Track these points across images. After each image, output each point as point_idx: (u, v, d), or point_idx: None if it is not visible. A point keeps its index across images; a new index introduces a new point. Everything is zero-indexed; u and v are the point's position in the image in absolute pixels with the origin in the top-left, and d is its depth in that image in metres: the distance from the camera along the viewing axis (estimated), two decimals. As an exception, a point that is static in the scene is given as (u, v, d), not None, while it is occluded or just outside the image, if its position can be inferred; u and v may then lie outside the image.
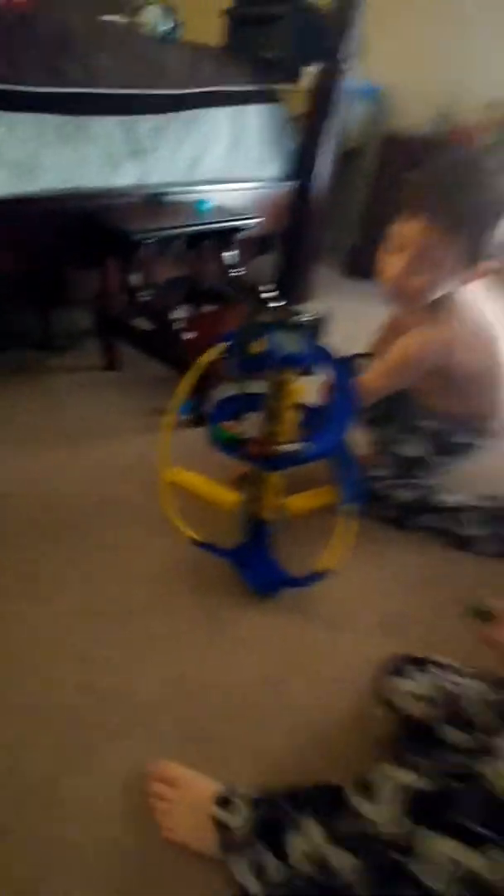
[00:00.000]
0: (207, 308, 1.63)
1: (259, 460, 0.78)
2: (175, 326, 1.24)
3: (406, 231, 0.83)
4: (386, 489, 1.01)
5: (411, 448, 1.01)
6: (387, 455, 1.02)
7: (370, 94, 2.47)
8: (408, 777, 0.46)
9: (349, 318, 1.18)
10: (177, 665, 0.75)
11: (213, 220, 1.40)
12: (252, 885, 0.52)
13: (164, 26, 2.39)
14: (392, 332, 1.03)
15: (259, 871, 0.52)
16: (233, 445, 0.79)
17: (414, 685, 0.62)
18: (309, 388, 0.83)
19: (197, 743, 0.66)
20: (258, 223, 1.52)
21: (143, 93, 1.47)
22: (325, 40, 1.70)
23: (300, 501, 1.01)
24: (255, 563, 0.85)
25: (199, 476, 1.05)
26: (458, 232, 0.78)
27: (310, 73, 2.13)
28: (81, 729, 0.66)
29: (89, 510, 0.99)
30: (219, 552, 0.86)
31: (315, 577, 0.83)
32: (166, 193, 1.47)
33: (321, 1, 1.92)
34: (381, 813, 0.45)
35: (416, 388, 1.00)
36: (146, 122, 1.46)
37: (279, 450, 0.77)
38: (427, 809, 0.44)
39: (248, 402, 0.84)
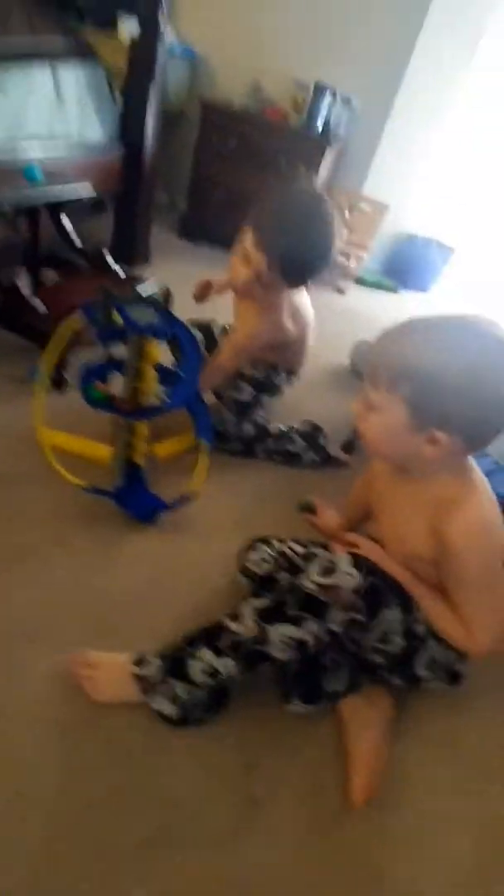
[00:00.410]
0: (49, 273, 1.63)
1: (129, 413, 0.94)
2: (26, 298, 1.26)
3: (251, 253, 1.04)
4: (231, 428, 1.28)
5: (244, 394, 1.28)
6: (226, 402, 1.28)
7: (186, 55, 2.53)
8: (257, 601, 0.72)
9: (186, 280, 1.35)
10: (79, 580, 0.91)
11: (45, 189, 1.40)
12: (168, 708, 0.74)
13: None
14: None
15: (172, 698, 0.74)
16: (105, 402, 0.93)
17: (258, 554, 0.88)
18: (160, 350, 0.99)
19: (104, 636, 0.84)
20: (90, 192, 1.55)
21: None
22: None
23: (166, 447, 1.20)
24: (134, 498, 1.02)
25: (72, 436, 1.17)
26: (290, 277, 1.05)
27: (127, 28, 2.11)
28: (5, 639, 0.79)
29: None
30: (103, 493, 1.01)
31: (183, 499, 1.04)
32: (-11, 155, 1.42)
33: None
34: (243, 625, 0.70)
35: None
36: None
37: (144, 403, 0.94)
38: (269, 614, 0.70)
39: (113, 365, 0.98)
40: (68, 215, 1.57)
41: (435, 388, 0.58)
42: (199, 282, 1.30)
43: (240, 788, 0.73)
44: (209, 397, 1.32)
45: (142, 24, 1.73)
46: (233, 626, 0.71)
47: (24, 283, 1.28)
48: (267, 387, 1.31)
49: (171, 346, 1.21)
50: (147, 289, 1.55)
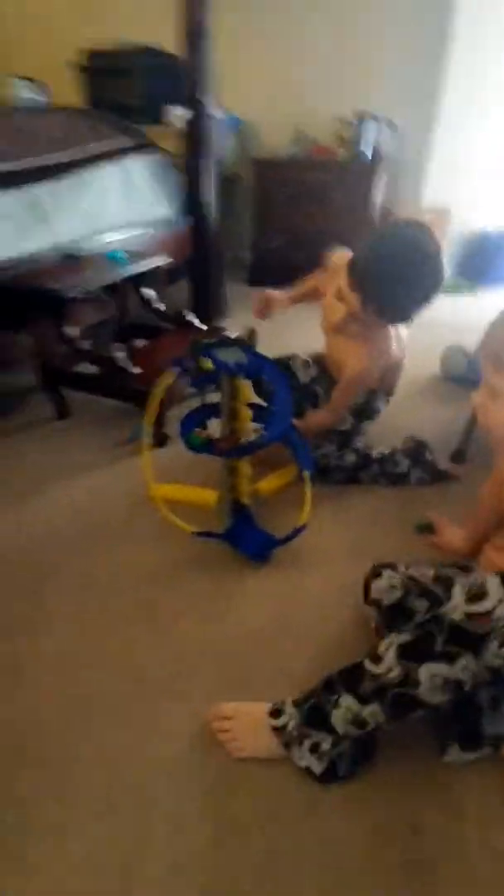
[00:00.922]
0: (139, 342, 1.77)
1: (230, 452, 0.94)
2: (121, 364, 1.36)
3: (346, 294, 1.05)
4: (334, 461, 1.22)
5: (345, 423, 1.23)
6: (326, 434, 1.23)
7: (234, 124, 2.72)
8: (399, 637, 0.64)
9: (262, 323, 1.35)
10: (204, 629, 0.89)
11: (129, 268, 1.53)
12: (312, 763, 0.68)
13: (28, 94, 2.52)
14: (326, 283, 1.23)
15: (314, 749, 0.68)
16: (206, 446, 0.94)
17: (384, 580, 0.81)
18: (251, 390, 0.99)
19: (237, 686, 0.80)
20: (167, 261, 1.67)
21: (33, 165, 1.59)
22: (179, 82, 1.86)
23: (268, 483, 1.19)
24: (245, 537, 1.01)
25: (179, 486, 1.20)
26: (387, 318, 1.05)
27: (177, 115, 2.34)
28: (140, 697, 0.78)
29: (87, 536, 1.10)
30: (216, 536, 1.01)
31: (295, 533, 1.00)
32: (79, 250, 1.60)
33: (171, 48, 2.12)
34: (386, 667, 0.63)
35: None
36: (40, 189, 1.58)
37: (243, 441, 0.93)
38: (411, 652, 0.62)
39: (209, 411, 1.00)
40: (149, 286, 1.70)
41: None
42: (259, 295, 1.23)
43: (408, 850, 0.63)
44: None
45: (192, 108, 1.89)
46: (375, 668, 0.64)
47: (118, 354, 1.38)
48: (367, 413, 1.26)
49: (254, 385, 1.22)
50: (233, 332, 1.60)
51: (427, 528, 1.07)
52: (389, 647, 0.64)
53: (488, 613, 0.59)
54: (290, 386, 1.09)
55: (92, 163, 1.74)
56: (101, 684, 0.81)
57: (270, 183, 2.49)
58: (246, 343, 0.93)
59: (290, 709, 0.70)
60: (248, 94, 2.72)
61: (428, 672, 0.60)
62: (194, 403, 0.99)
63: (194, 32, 1.73)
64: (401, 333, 1.18)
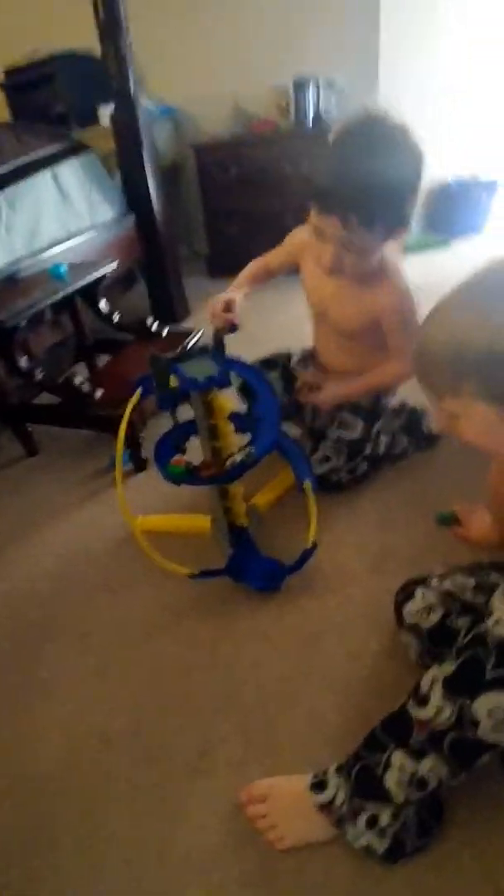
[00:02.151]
0: (101, 360, 1.61)
1: (216, 479, 0.80)
2: (83, 389, 1.21)
3: (321, 224, 0.85)
4: (345, 476, 1.04)
5: (355, 430, 1.04)
6: (333, 445, 1.03)
7: (165, 113, 2.53)
8: (440, 669, 0.51)
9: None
10: (219, 683, 0.76)
11: (74, 281, 1.37)
12: (373, 841, 0.56)
13: None
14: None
15: (372, 823, 0.55)
16: (187, 476, 0.80)
17: (417, 602, 0.68)
18: (230, 398, 0.85)
19: (266, 752, 0.68)
20: (114, 266, 1.51)
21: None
22: (105, 80, 1.72)
23: (264, 497, 1.06)
24: (250, 568, 0.88)
25: (163, 516, 1.06)
26: (376, 224, 0.82)
27: (105, 114, 2.15)
28: (167, 775, 0.65)
29: (74, 588, 0.96)
30: (216, 573, 0.88)
31: (307, 555, 0.87)
32: (17, 271, 1.43)
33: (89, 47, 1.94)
34: (432, 709, 0.50)
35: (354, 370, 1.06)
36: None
37: (228, 464, 0.80)
38: (459, 685, 0.49)
39: (185, 429, 0.86)
40: (105, 297, 1.54)
41: (501, 364, 0.47)
42: (213, 306, 0.99)
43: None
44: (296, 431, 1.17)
45: (116, 102, 1.73)
46: (422, 712, 0.51)
47: (77, 378, 1.23)
48: (379, 412, 1.07)
49: (241, 392, 1.08)
50: (197, 340, 1.45)
51: (450, 520, 0.94)
52: (434, 684, 0.51)
53: None
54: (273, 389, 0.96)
55: (22, 177, 1.57)
56: (112, 767, 0.68)
57: (214, 167, 2.31)
58: (213, 349, 0.79)
59: (334, 778, 0.58)
60: (177, 78, 2.52)
61: (485, 706, 0.47)
62: (167, 420, 0.85)
63: (108, 25, 1.58)
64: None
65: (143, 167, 1.83)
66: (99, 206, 1.80)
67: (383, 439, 1.09)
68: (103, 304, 1.54)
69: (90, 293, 1.51)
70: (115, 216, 1.86)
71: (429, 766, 0.51)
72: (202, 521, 1.00)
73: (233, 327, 0.97)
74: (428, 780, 0.52)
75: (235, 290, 1.07)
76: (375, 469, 1.10)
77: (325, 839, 0.58)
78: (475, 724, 0.48)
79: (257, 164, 2.23)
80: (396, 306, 0.93)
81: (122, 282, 1.99)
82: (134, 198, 1.89)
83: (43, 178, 1.62)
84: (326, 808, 0.57)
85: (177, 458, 0.83)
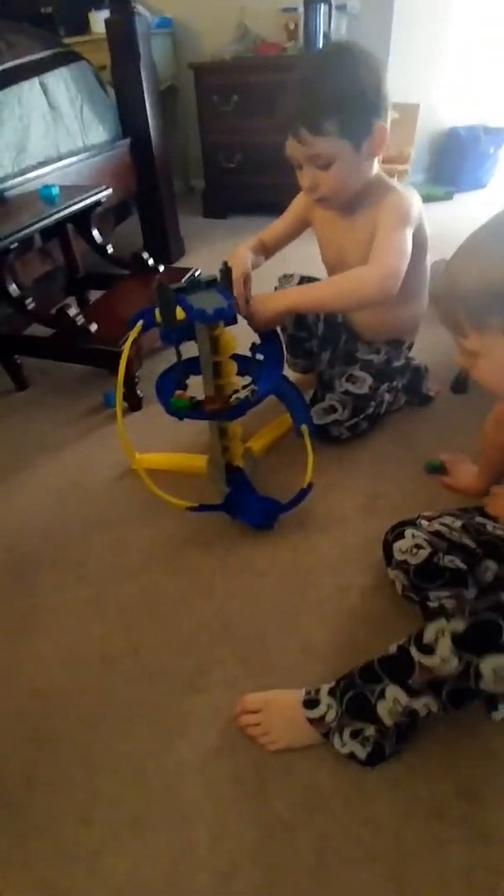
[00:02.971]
0: (93, 296, 1.54)
1: (221, 415, 0.80)
2: (78, 322, 1.16)
3: (290, 152, 0.83)
4: (345, 431, 1.03)
5: (363, 385, 1.02)
6: (341, 396, 1.02)
7: (163, 25, 2.29)
8: (451, 625, 0.54)
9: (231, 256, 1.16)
10: (216, 612, 0.79)
11: (68, 204, 1.28)
12: (356, 748, 0.60)
13: None
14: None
15: (356, 735, 0.60)
16: (191, 410, 0.79)
17: (407, 540, 0.71)
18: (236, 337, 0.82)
19: (259, 672, 0.72)
20: (109, 193, 1.41)
21: None
22: None
23: (260, 440, 1.06)
24: (246, 505, 0.89)
25: (159, 454, 1.06)
26: (320, 129, 0.77)
27: (96, 19, 1.94)
28: (160, 692, 0.69)
29: (72, 521, 0.96)
30: (213, 508, 0.89)
31: (302, 494, 0.89)
32: (4, 190, 1.32)
33: None
34: (439, 659, 0.53)
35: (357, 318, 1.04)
36: None
37: (233, 400, 0.79)
38: (470, 642, 0.52)
39: (188, 367, 0.84)
40: (97, 227, 1.45)
41: None
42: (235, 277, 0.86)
43: (465, 821, 0.58)
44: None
45: (112, 7, 1.55)
46: (427, 659, 0.54)
47: (72, 310, 1.18)
48: (389, 374, 1.06)
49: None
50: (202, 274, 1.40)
51: (438, 469, 0.97)
52: (440, 637, 0.54)
53: None
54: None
55: (7, 83, 1.41)
56: (111, 687, 0.71)
57: (214, 91, 2.12)
58: (221, 283, 0.76)
59: (326, 698, 0.62)
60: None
61: (491, 665, 0.51)
62: (167, 356, 0.83)
63: None
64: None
65: (140, 83, 1.68)
66: (92, 126, 1.66)
67: (386, 399, 1.09)
68: (96, 234, 1.46)
69: (83, 221, 1.42)
70: (109, 139, 1.72)
71: (423, 703, 0.55)
72: (198, 461, 1.01)
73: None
74: (419, 712, 0.56)
75: (245, 253, 1.00)
76: (374, 426, 1.10)
77: (313, 744, 0.62)
78: (478, 677, 0.51)
79: (262, 91, 2.06)
80: (394, 204, 0.86)
81: (116, 213, 1.88)
82: (129, 120, 1.74)
83: (31, 87, 1.47)
84: (317, 721, 0.61)
85: (179, 392, 0.82)
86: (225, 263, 0.78)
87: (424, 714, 0.56)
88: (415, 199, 0.88)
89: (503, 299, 0.48)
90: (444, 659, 0.52)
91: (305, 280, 1.11)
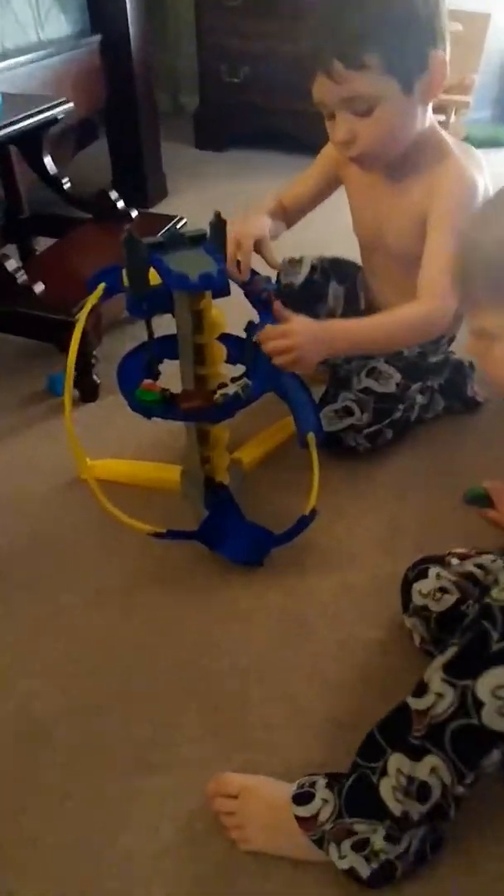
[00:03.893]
0: (41, 244, 1.58)
1: (199, 414, 0.84)
2: (18, 279, 1.21)
3: (319, 94, 0.87)
4: (365, 440, 1.08)
5: (389, 383, 1.07)
6: (359, 395, 1.06)
7: None
8: (442, 655, 0.59)
9: (224, 205, 1.20)
10: (186, 666, 0.83)
11: (11, 120, 1.32)
12: (358, 863, 0.63)
13: None
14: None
15: (362, 847, 0.63)
16: (161, 406, 0.83)
17: (430, 581, 0.76)
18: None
19: (241, 747, 0.75)
20: (68, 109, 1.46)
21: None
22: None
23: (251, 451, 1.11)
24: (229, 535, 0.93)
25: (120, 461, 1.10)
26: (361, 63, 0.81)
27: None
28: (112, 769, 0.73)
29: (3, 547, 1.01)
30: (186, 535, 0.93)
31: (302, 523, 0.93)
32: None
33: None
34: (432, 696, 0.58)
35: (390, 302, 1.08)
36: None
37: (219, 396, 0.83)
38: (460, 665, 0.57)
39: (161, 348, 0.88)
40: (50, 153, 1.50)
41: None
42: (237, 242, 0.94)
43: None
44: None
45: None
46: (420, 703, 0.59)
47: (10, 262, 1.22)
48: (422, 370, 1.11)
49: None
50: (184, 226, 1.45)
51: (481, 498, 1.02)
52: (435, 671, 0.59)
53: None
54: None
55: None
56: (38, 762, 0.75)
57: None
58: (211, 241, 0.81)
59: (322, 791, 0.65)
60: None
61: (488, 684, 0.55)
62: (135, 333, 0.88)
63: None
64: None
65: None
66: (50, 15, 1.71)
67: (419, 401, 1.14)
68: (49, 162, 1.50)
69: (32, 143, 1.46)
70: (72, 33, 1.78)
71: (430, 767, 0.59)
72: (170, 473, 1.05)
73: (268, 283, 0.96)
74: (430, 785, 0.59)
75: (258, 218, 1.03)
76: (401, 437, 1.15)
77: (296, 857, 0.66)
78: (479, 706, 0.55)
79: None
80: (455, 183, 0.91)
81: (77, 136, 1.93)
82: (101, 10, 1.79)
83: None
84: (306, 822, 0.65)
85: (148, 382, 0.86)
86: (218, 214, 0.83)
87: (438, 791, 0.59)
88: (479, 174, 0.93)
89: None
90: (439, 693, 0.57)
91: (319, 264, 1.17)
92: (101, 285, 0.86)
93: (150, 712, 0.79)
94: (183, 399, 0.83)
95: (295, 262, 1.19)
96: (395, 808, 0.61)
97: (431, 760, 0.58)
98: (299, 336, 0.86)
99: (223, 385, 0.86)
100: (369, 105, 0.84)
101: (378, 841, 0.62)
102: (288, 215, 1.12)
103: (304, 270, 1.17)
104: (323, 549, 0.98)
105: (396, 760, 0.60)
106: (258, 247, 0.98)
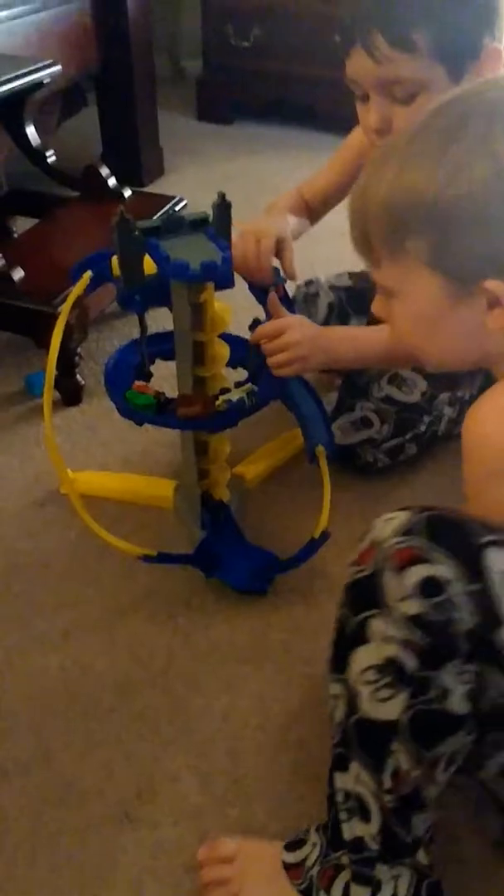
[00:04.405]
0: (21, 225, 1.63)
1: (198, 422, 0.88)
2: (-6, 263, 1.26)
3: (354, 72, 0.90)
4: (386, 456, 1.12)
5: (413, 392, 1.11)
6: (379, 404, 1.11)
7: None
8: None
9: (228, 187, 1.24)
10: (169, 703, 0.87)
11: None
12: None
13: None
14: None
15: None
16: (157, 412, 0.87)
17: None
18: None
19: (229, 795, 0.78)
20: (55, 72, 1.52)
21: None
22: None
23: (258, 465, 1.15)
24: (229, 558, 0.97)
25: (105, 474, 1.14)
26: (408, 40, 0.85)
27: None
28: (93, 821, 0.76)
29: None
30: (180, 559, 0.97)
31: (312, 547, 0.96)
32: None
33: None
34: (331, 702, 0.63)
35: None
36: None
37: (221, 402, 0.87)
38: (334, 662, 0.63)
39: (156, 347, 0.93)
40: (33, 123, 1.56)
41: (458, 219, 0.58)
42: (240, 249, 0.97)
43: None
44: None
45: None
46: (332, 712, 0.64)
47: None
48: (452, 378, 1.13)
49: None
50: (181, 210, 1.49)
51: None
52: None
53: None
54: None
55: None
56: (6, 813, 0.78)
57: None
58: (215, 225, 0.85)
59: (313, 835, 0.69)
60: None
61: (354, 671, 0.59)
62: (124, 329, 0.92)
63: None
64: None
65: None
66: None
67: (447, 414, 1.17)
68: (32, 132, 1.56)
69: (13, 110, 1.52)
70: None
71: (353, 776, 0.62)
72: (162, 488, 1.09)
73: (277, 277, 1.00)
74: (361, 797, 0.62)
75: (279, 218, 1.08)
76: (426, 454, 1.19)
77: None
78: (356, 696, 0.59)
79: None
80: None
81: (64, 102, 1.99)
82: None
83: None
84: (295, 869, 0.68)
85: (140, 383, 0.91)
86: (222, 195, 0.86)
87: (370, 799, 0.61)
88: None
89: (426, 215, 0.58)
90: (335, 695, 0.63)
91: (337, 302, 1.23)
92: (87, 274, 0.89)
93: (134, 758, 0.82)
94: (180, 404, 0.87)
95: (311, 298, 1.24)
96: (346, 831, 0.64)
97: (353, 768, 0.62)
98: (297, 333, 0.90)
99: (226, 390, 0.90)
100: (411, 92, 0.88)
101: (361, 893, 0.64)
102: (311, 211, 1.17)
103: (322, 312, 1.23)
104: (335, 578, 1.01)
105: (337, 778, 0.65)
106: (279, 249, 1.01)
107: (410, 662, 0.55)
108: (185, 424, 0.89)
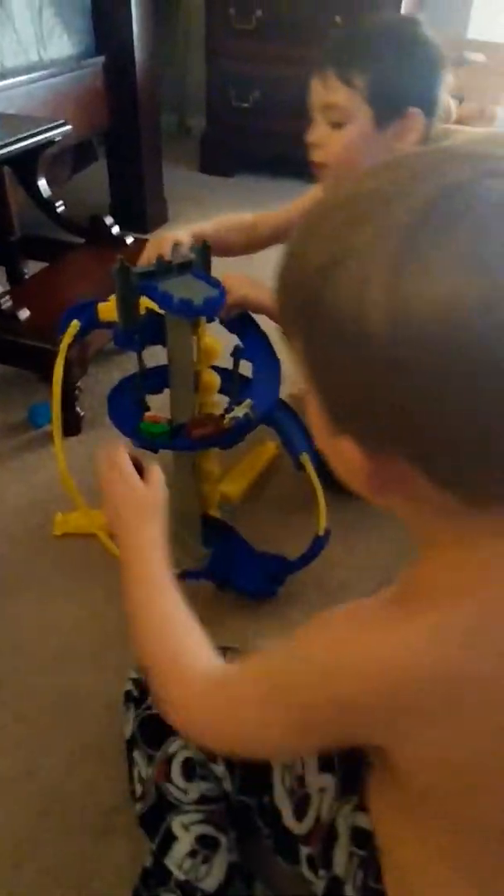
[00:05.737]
0: (31, 268, 1.69)
1: (211, 441, 0.92)
2: (2, 306, 1.30)
3: (315, 94, 1.02)
4: None
5: None
6: None
7: None
8: None
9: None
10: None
11: (7, 141, 1.45)
12: None
13: None
14: None
15: None
16: (173, 438, 0.91)
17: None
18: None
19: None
20: (66, 131, 1.58)
21: None
22: None
23: (237, 481, 1.19)
24: (240, 567, 1.02)
25: (94, 512, 1.15)
26: (349, 77, 0.97)
27: None
28: (67, 824, 0.77)
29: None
30: (197, 575, 1.00)
31: (315, 547, 0.99)
32: None
33: None
34: None
35: None
36: None
37: (228, 420, 0.90)
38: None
39: (150, 381, 0.96)
40: (45, 175, 1.63)
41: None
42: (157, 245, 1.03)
43: None
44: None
45: None
46: None
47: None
48: None
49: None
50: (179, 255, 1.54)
51: None
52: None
53: None
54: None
55: None
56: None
57: (230, 1, 2.36)
58: (197, 266, 0.89)
59: None
60: None
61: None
62: (121, 363, 0.95)
63: None
64: None
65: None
66: (54, 35, 1.86)
67: None
68: (43, 185, 1.63)
69: (25, 164, 1.58)
70: (76, 53, 1.92)
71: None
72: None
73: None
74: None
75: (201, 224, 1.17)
76: None
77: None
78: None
79: (298, 6, 2.29)
80: None
81: (75, 157, 2.07)
82: (107, 30, 1.95)
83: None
84: None
85: (151, 414, 0.94)
86: (204, 242, 0.91)
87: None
88: None
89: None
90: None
91: None
92: (75, 323, 0.93)
93: (118, 771, 0.82)
94: (194, 427, 0.90)
95: None
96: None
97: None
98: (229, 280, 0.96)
99: (229, 409, 0.93)
100: (342, 119, 1.01)
101: None
102: (258, 234, 1.22)
103: None
104: (338, 581, 1.04)
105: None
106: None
107: None
108: (200, 444, 0.92)
